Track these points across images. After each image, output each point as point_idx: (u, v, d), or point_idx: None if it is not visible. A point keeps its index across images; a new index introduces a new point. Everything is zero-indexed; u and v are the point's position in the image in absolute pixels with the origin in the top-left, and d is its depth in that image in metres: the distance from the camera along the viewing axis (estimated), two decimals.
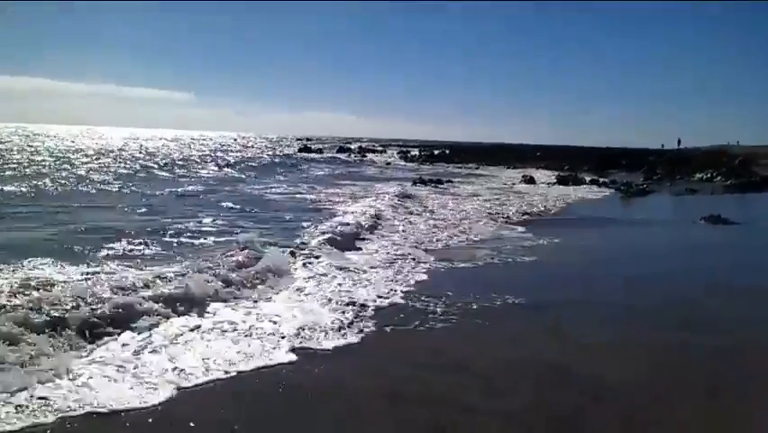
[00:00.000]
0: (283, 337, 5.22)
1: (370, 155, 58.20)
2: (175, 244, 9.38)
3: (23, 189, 16.35)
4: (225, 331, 5.34)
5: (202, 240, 9.86)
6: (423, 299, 6.63)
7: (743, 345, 5.45)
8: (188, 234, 10.34)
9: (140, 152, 43.93)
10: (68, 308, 5.13)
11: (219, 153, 49.43)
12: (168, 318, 5.51)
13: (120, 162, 31.50)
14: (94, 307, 5.27)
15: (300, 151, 60.89)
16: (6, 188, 16.25)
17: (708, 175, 29.98)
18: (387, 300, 6.61)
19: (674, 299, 7.13)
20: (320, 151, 61.18)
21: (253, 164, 36.88)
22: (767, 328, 6.12)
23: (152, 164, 31.48)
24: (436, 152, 62.85)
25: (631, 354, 5.20)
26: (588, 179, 28.82)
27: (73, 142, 62.04)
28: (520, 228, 12.96)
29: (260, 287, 6.87)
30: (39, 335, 4.58)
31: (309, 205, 16.14)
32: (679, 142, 63.30)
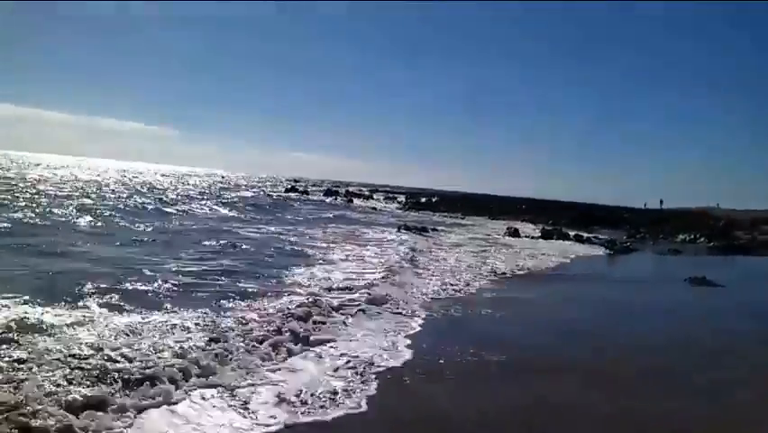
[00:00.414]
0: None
1: (356, 200, 58.22)
2: None
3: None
4: None
5: None
6: None
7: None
8: None
9: (146, 188, 43.28)
10: None
11: (212, 191, 48.88)
12: None
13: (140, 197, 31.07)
14: None
15: (287, 191, 60.76)
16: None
17: (692, 236, 30.22)
18: None
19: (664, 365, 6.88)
20: (306, 192, 61.13)
21: (250, 205, 35.96)
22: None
23: (168, 204, 30.52)
24: (423, 199, 63.18)
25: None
26: (572, 234, 28.83)
27: (72, 172, 61.35)
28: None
29: None
30: None
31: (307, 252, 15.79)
32: (661, 202, 64.26)
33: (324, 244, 16.76)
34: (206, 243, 14.70)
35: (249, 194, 49.80)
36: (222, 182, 76.25)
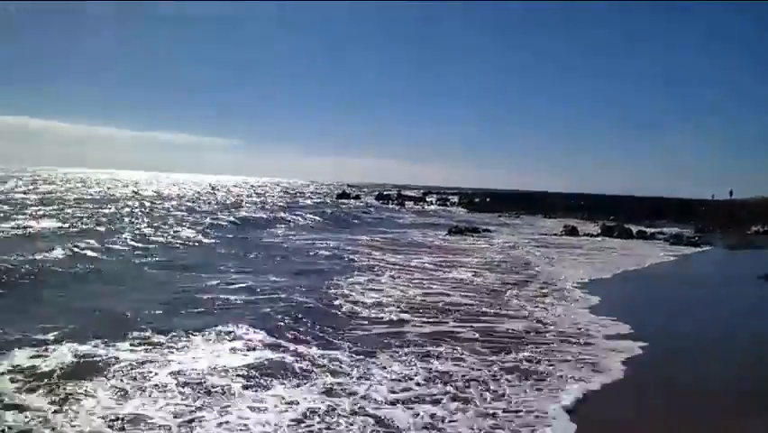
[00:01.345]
0: None
1: (408, 203, 57.72)
2: None
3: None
4: None
5: None
6: None
7: None
8: None
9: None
10: None
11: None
12: None
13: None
14: None
15: (338, 197, 60.99)
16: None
17: (765, 228, 28.15)
18: None
19: None
20: (358, 197, 61.17)
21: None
22: None
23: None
24: (477, 199, 62.11)
25: None
26: (634, 230, 27.31)
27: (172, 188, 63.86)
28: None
29: None
30: None
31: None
32: (731, 192, 60.72)
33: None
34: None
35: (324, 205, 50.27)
36: (290, 191, 77.59)
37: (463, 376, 6.19)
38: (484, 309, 9.69)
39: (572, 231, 27.26)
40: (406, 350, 7.09)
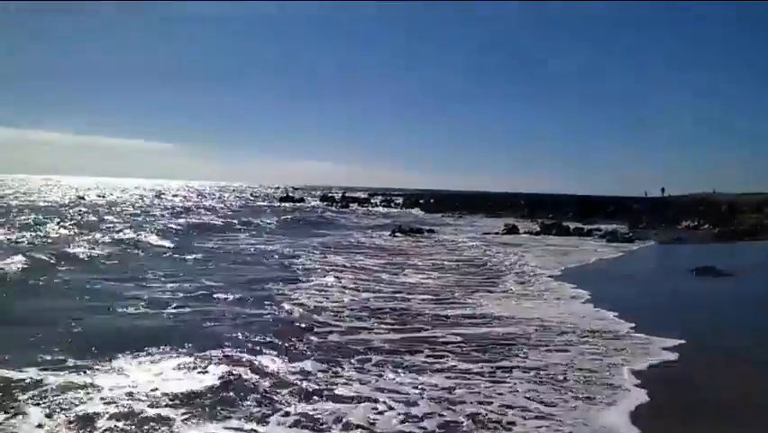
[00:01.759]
0: None
1: (353, 205, 57.46)
2: None
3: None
4: None
5: None
6: None
7: None
8: None
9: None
10: None
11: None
12: None
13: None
14: None
15: (282, 200, 60.02)
16: None
17: (696, 223, 29.39)
18: None
19: None
20: (302, 200, 60.43)
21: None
22: None
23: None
24: (421, 201, 62.52)
25: None
26: (572, 227, 28.01)
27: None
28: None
29: None
30: None
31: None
32: (663, 190, 63.58)
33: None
34: None
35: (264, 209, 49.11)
36: (254, 196, 75.68)
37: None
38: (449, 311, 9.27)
39: (513, 229, 27.65)
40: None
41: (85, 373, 5.73)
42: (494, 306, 9.77)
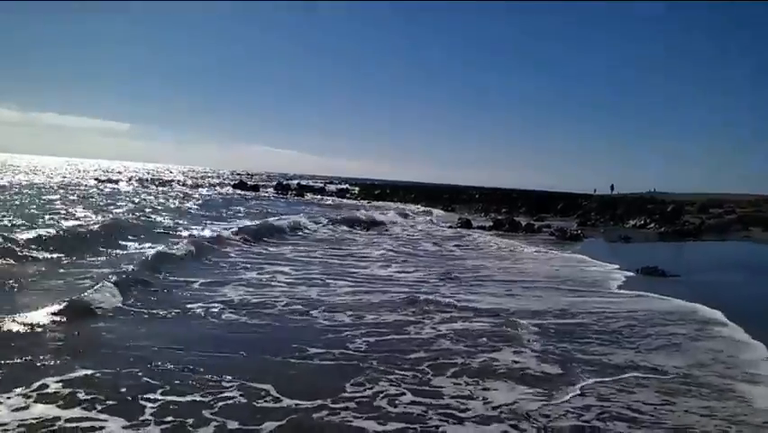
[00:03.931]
0: None
1: (308, 194, 56.69)
2: None
3: None
4: None
5: None
6: None
7: None
8: None
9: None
10: None
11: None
12: None
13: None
14: None
15: (234, 187, 58.70)
16: None
17: (642, 222, 30.07)
18: None
19: None
20: (256, 187, 59.12)
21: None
22: None
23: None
24: (377, 191, 62.31)
25: None
26: (524, 223, 28.21)
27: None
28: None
29: None
30: None
31: None
32: (612, 187, 65.15)
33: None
34: None
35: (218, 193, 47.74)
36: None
37: None
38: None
39: (467, 223, 27.72)
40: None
41: None
42: None
